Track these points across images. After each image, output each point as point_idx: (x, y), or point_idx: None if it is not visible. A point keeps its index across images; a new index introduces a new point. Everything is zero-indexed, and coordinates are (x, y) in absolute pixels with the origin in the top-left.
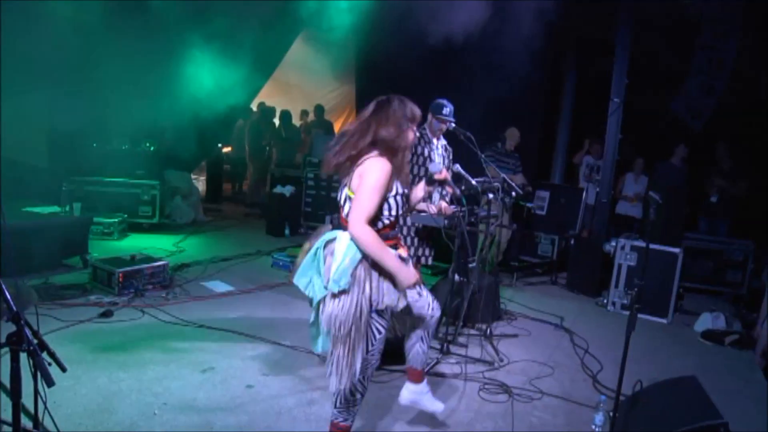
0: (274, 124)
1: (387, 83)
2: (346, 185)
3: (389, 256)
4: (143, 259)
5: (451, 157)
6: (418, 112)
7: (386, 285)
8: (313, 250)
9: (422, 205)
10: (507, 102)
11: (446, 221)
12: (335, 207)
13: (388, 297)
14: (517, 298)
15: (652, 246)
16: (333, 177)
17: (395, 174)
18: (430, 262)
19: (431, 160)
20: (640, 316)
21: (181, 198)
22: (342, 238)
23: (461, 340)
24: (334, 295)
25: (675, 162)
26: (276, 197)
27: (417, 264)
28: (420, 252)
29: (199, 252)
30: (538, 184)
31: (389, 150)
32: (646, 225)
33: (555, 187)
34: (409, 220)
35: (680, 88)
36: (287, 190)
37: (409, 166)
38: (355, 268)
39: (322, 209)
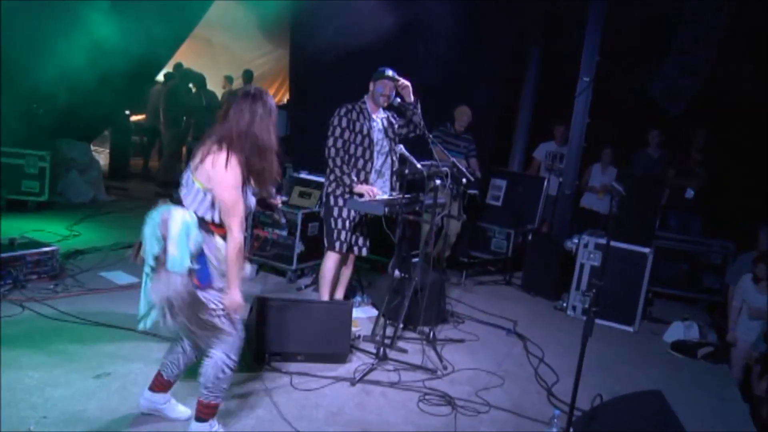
0: (191, 90)
1: (328, 48)
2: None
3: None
4: (26, 243)
5: (397, 126)
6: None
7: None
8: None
9: (361, 188)
10: (461, 78)
11: (386, 208)
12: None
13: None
14: (466, 298)
15: (618, 245)
16: None
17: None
18: (364, 253)
19: (371, 140)
20: (603, 323)
21: (77, 173)
22: (176, 216)
23: (400, 344)
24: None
25: (651, 151)
26: None
27: (348, 254)
28: (353, 240)
29: (98, 237)
30: (493, 172)
31: None
32: (609, 220)
33: (513, 175)
34: (341, 200)
35: (659, 68)
36: None
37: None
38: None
39: None
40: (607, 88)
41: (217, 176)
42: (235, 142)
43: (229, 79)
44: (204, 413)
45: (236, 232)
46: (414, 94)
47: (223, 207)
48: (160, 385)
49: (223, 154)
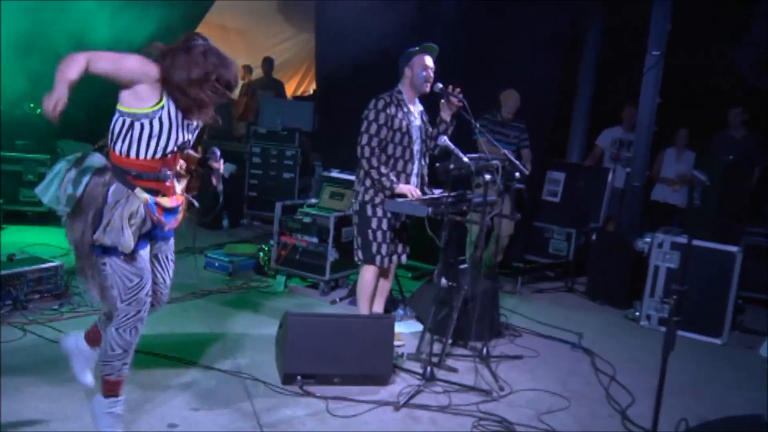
0: None
1: (360, 30)
2: None
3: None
4: (26, 259)
5: (428, 123)
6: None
7: (115, 219)
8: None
9: (403, 188)
10: (511, 61)
11: (430, 209)
12: (286, 191)
13: (111, 236)
14: (523, 308)
15: (700, 243)
16: (285, 153)
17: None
18: (404, 260)
19: (411, 137)
20: (687, 335)
21: None
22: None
23: (449, 362)
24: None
25: (733, 132)
26: (206, 175)
27: (390, 264)
28: (391, 248)
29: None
30: (550, 164)
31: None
32: (689, 214)
33: (572, 167)
34: (379, 210)
35: (745, 35)
36: (227, 169)
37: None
38: (85, 184)
39: (272, 194)
40: (680, 63)
41: None
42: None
43: (247, 69)
44: (104, 389)
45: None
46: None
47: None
48: (93, 338)
49: None
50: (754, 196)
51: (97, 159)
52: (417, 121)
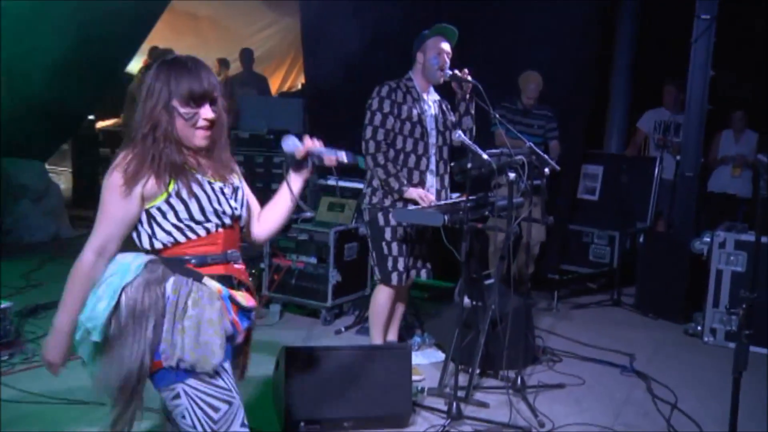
0: None
1: (350, 10)
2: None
3: (70, 303)
4: None
5: (449, 112)
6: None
7: (190, 323)
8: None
9: (413, 192)
10: (535, 36)
11: (446, 216)
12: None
13: (191, 350)
14: (561, 328)
15: None
16: (272, 160)
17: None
18: (424, 276)
19: (425, 128)
20: (762, 351)
21: (30, 202)
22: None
23: (478, 396)
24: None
25: None
26: None
27: (408, 283)
28: (410, 263)
29: (64, 286)
30: (585, 156)
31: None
32: (756, 207)
33: (611, 158)
34: (392, 219)
35: None
36: None
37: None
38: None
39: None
40: (734, 29)
41: None
42: (133, 131)
43: (223, 63)
44: None
45: (85, 252)
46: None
47: None
48: None
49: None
50: None
51: (132, 255)
52: (432, 110)
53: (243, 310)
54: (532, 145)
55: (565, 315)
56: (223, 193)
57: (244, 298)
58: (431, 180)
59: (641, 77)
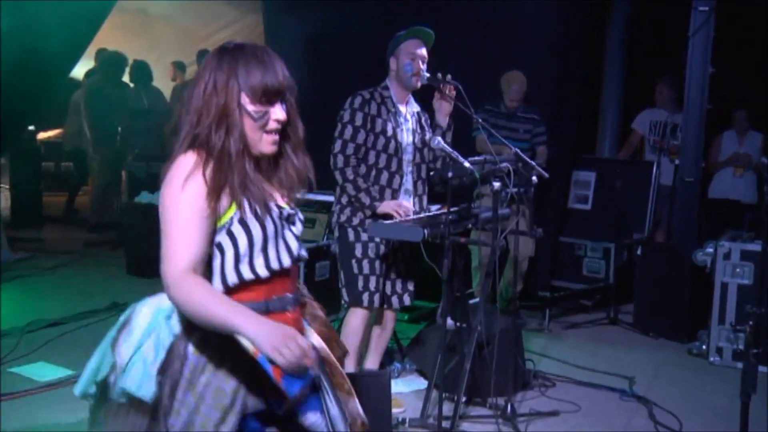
0: (128, 86)
1: (317, 11)
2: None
3: (228, 311)
4: None
5: (428, 128)
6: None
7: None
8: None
9: (386, 206)
10: (519, 33)
11: (426, 230)
12: None
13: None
14: (554, 350)
15: None
16: None
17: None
18: (407, 302)
19: (399, 143)
20: None
21: None
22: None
23: (465, 426)
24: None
25: None
26: (139, 211)
27: (385, 304)
28: (388, 288)
29: (5, 315)
30: (576, 161)
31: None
32: (761, 213)
33: (605, 163)
34: (363, 235)
35: None
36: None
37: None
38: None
39: None
40: (735, 21)
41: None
42: (187, 129)
43: (179, 67)
44: None
45: (179, 279)
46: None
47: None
48: None
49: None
50: None
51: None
52: (409, 124)
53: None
54: (518, 150)
55: (558, 335)
56: (288, 221)
57: (313, 338)
58: (403, 198)
59: (636, 75)
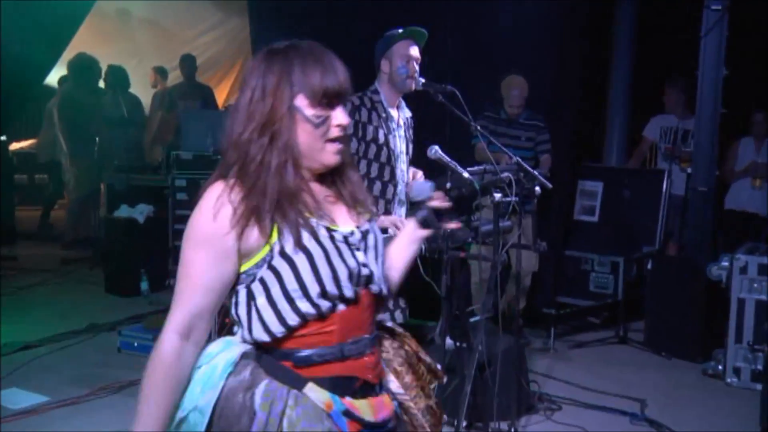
0: (104, 93)
1: (305, 11)
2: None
3: (149, 416)
4: None
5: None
6: (328, 81)
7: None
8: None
9: (383, 221)
10: (520, 37)
11: (424, 245)
12: None
13: None
14: (560, 371)
15: None
16: None
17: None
18: (399, 318)
19: (392, 151)
20: None
21: None
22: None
23: None
24: None
25: None
26: (119, 226)
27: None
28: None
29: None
30: (582, 171)
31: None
32: None
33: (612, 172)
34: None
35: None
36: (140, 211)
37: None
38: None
39: None
40: (749, 20)
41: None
42: (229, 154)
43: (161, 73)
44: None
45: (164, 334)
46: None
47: None
48: None
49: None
50: None
51: (222, 343)
52: (401, 131)
53: (368, 427)
54: (520, 160)
55: (564, 355)
56: (348, 245)
57: (370, 410)
58: (399, 211)
59: (644, 78)
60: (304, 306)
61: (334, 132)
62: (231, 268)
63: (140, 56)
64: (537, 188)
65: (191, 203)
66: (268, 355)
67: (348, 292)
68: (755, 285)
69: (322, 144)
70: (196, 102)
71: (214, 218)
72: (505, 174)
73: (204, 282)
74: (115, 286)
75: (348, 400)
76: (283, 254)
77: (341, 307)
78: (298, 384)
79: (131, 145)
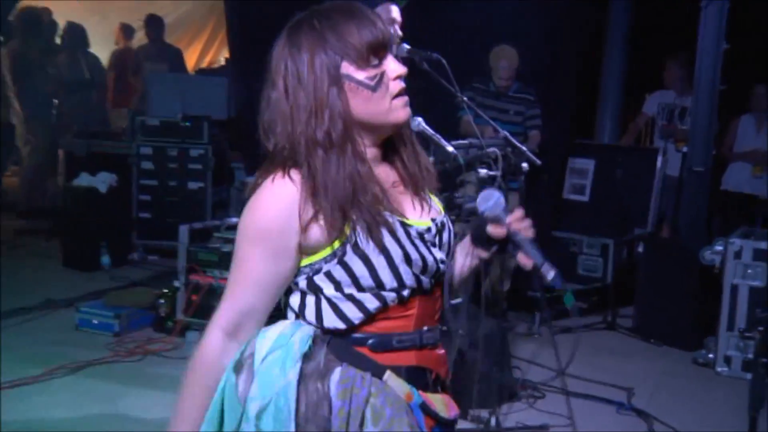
0: (60, 52)
1: None
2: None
3: (189, 409)
4: None
5: None
6: (373, 33)
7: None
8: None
9: None
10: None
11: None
12: (194, 208)
13: None
14: (544, 357)
15: None
16: (189, 153)
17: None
18: None
19: None
20: None
21: None
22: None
23: None
24: None
25: None
26: (78, 196)
27: None
28: None
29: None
30: (573, 148)
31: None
32: None
33: (605, 150)
34: None
35: None
36: (102, 180)
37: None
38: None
39: (174, 214)
40: None
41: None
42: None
43: (127, 31)
44: None
45: (210, 330)
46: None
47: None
48: None
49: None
50: None
51: (289, 325)
52: None
53: (441, 424)
54: (508, 134)
55: (549, 341)
56: (423, 241)
57: (444, 406)
58: None
59: (641, 52)
60: (383, 293)
61: (396, 86)
62: (289, 266)
63: (103, 14)
64: (525, 165)
65: (157, 172)
66: (340, 339)
67: (426, 285)
68: (749, 271)
69: (389, 104)
70: (163, 65)
71: (273, 213)
72: (492, 149)
73: (257, 280)
74: (73, 260)
75: (424, 394)
76: (356, 250)
77: (420, 294)
78: (377, 371)
79: (92, 109)
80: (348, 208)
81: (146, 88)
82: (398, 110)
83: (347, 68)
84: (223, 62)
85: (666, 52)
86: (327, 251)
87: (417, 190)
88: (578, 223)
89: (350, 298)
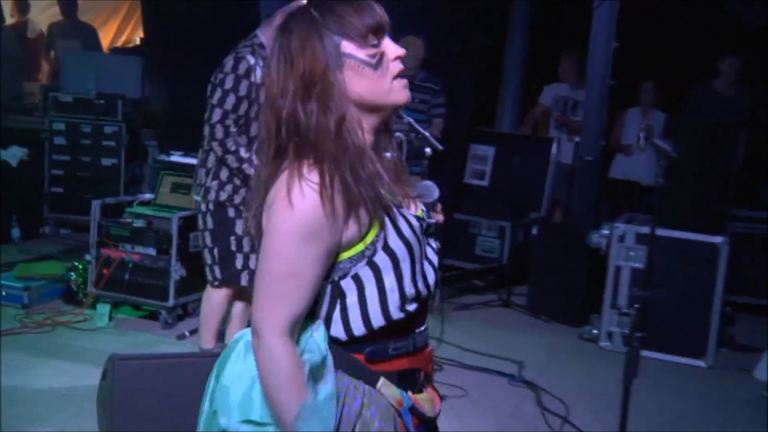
0: None
1: None
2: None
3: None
4: None
5: None
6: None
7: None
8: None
9: None
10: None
11: None
12: (107, 184)
13: None
14: (444, 332)
15: (673, 234)
16: (102, 130)
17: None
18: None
19: None
20: (663, 357)
21: None
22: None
23: None
24: None
25: (720, 87)
26: None
27: None
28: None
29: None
30: (474, 135)
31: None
32: (653, 195)
33: (504, 138)
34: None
35: None
36: (13, 154)
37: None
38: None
39: (86, 189)
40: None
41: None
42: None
43: (21, 4)
44: None
45: (268, 338)
46: None
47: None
48: None
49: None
50: (744, 169)
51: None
52: None
53: (424, 422)
54: (412, 120)
55: (448, 317)
56: (425, 236)
57: (430, 405)
58: None
59: (540, 47)
60: (394, 309)
61: (396, 67)
62: (330, 262)
63: None
64: (428, 150)
65: (71, 148)
66: (339, 346)
67: (431, 285)
68: (631, 253)
69: (389, 84)
70: (77, 42)
71: (318, 209)
72: (397, 134)
73: (313, 281)
74: None
75: (412, 395)
76: (386, 249)
77: (420, 300)
78: (372, 379)
79: (3, 83)
80: (370, 200)
81: (60, 65)
82: (399, 91)
83: (348, 47)
84: (138, 42)
85: (564, 48)
86: (356, 249)
87: (402, 186)
88: (478, 206)
89: (363, 309)
